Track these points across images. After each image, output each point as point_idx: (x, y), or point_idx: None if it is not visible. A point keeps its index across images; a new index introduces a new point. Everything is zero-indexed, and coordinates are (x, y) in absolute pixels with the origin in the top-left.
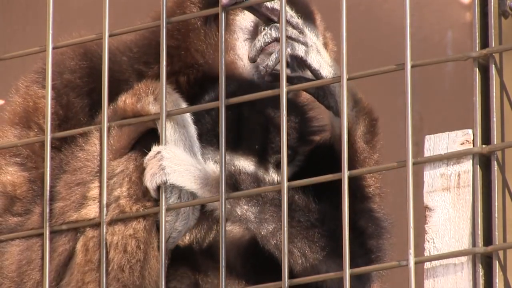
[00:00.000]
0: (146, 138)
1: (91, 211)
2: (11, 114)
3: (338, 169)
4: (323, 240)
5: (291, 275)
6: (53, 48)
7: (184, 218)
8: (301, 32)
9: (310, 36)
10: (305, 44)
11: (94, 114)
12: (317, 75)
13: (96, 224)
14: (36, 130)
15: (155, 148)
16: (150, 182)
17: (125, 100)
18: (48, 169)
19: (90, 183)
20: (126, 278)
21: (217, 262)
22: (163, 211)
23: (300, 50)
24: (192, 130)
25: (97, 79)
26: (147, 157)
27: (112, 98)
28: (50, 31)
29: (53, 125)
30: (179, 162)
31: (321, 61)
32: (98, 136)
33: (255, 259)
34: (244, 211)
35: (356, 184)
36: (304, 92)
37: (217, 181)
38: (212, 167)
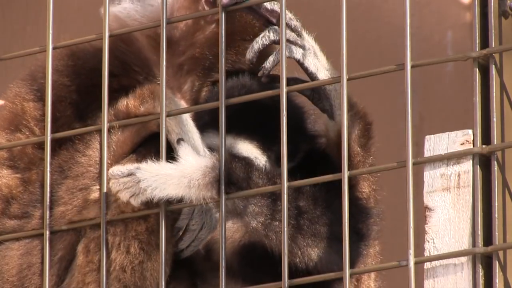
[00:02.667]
0: (148, 139)
1: (91, 212)
2: (0, 119)
3: (331, 170)
4: (314, 227)
5: (290, 274)
6: (53, 48)
7: (209, 228)
8: (299, 35)
9: (308, 39)
10: (302, 47)
11: (82, 113)
12: (313, 78)
13: (96, 224)
14: (27, 133)
15: (126, 168)
16: (134, 200)
17: (127, 103)
18: (48, 169)
19: (92, 186)
20: (128, 279)
21: (215, 262)
22: (163, 211)
23: (297, 53)
24: (196, 136)
25: (84, 77)
26: (118, 173)
27: (97, 99)
28: (50, 31)
29: (42, 125)
30: (157, 178)
31: (318, 64)
32: (99, 140)
33: (253, 258)
34: (236, 203)
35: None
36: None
37: (200, 179)
38: (192, 163)
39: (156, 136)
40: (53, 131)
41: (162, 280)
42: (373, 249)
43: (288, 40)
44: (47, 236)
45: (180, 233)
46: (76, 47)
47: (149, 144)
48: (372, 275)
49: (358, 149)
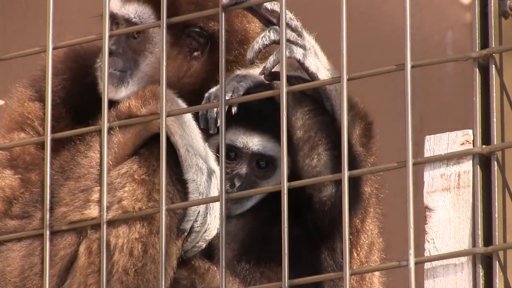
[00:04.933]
0: (150, 141)
1: (93, 212)
2: (4, 119)
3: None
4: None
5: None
6: (53, 48)
7: (214, 227)
8: (300, 35)
9: (309, 39)
10: (303, 47)
11: (85, 114)
12: (314, 78)
13: (97, 225)
14: (31, 133)
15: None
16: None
17: (129, 104)
18: (48, 169)
19: (94, 187)
20: (130, 281)
21: (214, 263)
22: (163, 211)
23: (298, 53)
24: (199, 137)
25: (86, 79)
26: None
27: (96, 100)
28: (50, 31)
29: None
30: None
31: (318, 64)
32: (100, 142)
33: (253, 259)
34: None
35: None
36: None
37: None
38: None
39: (158, 137)
40: (55, 133)
41: (162, 280)
42: (377, 246)
43: (288, 40)
44: (47, 236)
45: (185, 235)
46: (79, 48)
47: (151, 146)
48: (376, 272)
49: (360, 149)
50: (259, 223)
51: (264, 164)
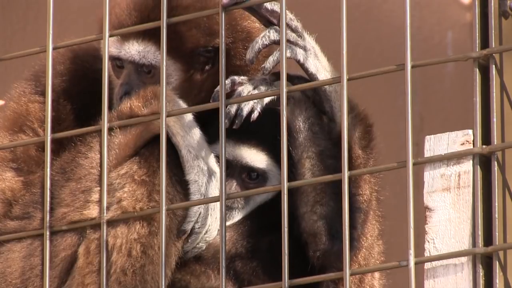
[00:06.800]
0: (151, 142)
1: (92, 212)
2: (4, 120)
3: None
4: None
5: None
6: (53, 49)
7: (214, 229)
8: (300, 35)
9: (309, 40)
10: (303, 48)
11: (85, 116)
12: (313, 79)
13: (95, 225)
14: (31, 134)
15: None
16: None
17: (131, 105)
18: (48, 170)
19: (94, 188)
20: (128, 281)
21: (207, 265)
22: (163, 211)
23: (299, 54)
24: (201, 138)
25: (86, 81)
26: None
27: (97, 101)
28: (50, 31)
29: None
30: None
31: (318, 65)
32: (101, 142)
33: (252, 261)
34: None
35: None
36: None
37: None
38: None
39: (159, 138)
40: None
41: (162, 281)
42: (377, 248)
43: (288, 41)
44: (47, 236)
45: (186, 236)
46: (78, 49)
47: (151, 146)
48: (376, 274)
49: (359, 151)
50: (246, 235)
51: (255, 176)
